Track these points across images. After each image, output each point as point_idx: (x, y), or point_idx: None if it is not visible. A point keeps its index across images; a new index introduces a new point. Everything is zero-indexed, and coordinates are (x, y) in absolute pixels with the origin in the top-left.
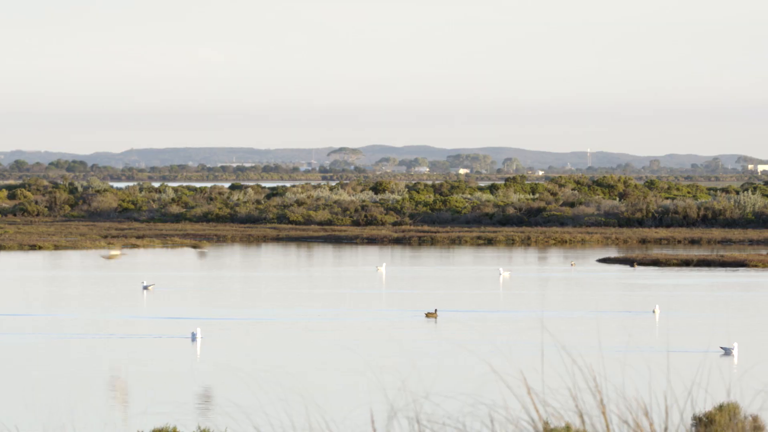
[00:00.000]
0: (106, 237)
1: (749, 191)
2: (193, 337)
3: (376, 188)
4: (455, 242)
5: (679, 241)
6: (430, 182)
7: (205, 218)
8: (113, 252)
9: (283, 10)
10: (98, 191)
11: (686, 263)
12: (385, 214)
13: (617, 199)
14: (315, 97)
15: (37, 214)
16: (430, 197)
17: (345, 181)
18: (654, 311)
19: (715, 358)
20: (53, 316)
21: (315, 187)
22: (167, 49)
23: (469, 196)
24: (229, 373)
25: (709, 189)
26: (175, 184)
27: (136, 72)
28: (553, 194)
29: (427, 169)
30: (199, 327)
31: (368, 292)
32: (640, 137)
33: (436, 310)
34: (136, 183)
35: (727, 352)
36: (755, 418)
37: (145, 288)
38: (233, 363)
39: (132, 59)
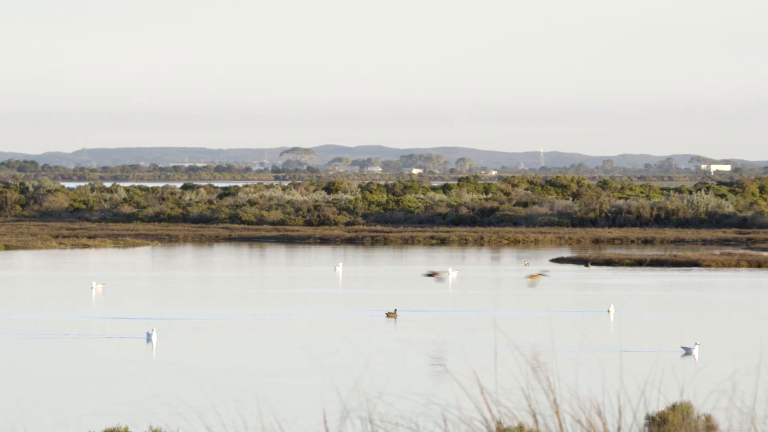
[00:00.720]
0: (57, 237)
1: (702, 191)
2: (148, 338)
3: (329, 188)
4: (408, 242)
5: (633, 241)
6: (383, 182)
7: (157, 218)
8: (534, 275)
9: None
10: (49, 191)
11: (639, 263)
12: (338, 214)
13: (570, 199)
14: (268, 97)
15: None
16: (383, 197)
17: (298, 181)
18: (609, 311)
19: (668, 357)
20: (4, 316)
21: (267, 187)
22: (130, 48)
23: (422, 196)
24: (182, 373)
25: (663, 189)
26: (126, 184)
27: (91, 72)
28: (507, 194)
29: (380, 169)
30: (155, 327)
31: (326, 292)
32: (593, 137)
33: (395, 310)
34: (87, 183)
35: (688, 352)
36: (708, 418)
37: (92, 288)
38: (186, 363)
39: (92, 59)
